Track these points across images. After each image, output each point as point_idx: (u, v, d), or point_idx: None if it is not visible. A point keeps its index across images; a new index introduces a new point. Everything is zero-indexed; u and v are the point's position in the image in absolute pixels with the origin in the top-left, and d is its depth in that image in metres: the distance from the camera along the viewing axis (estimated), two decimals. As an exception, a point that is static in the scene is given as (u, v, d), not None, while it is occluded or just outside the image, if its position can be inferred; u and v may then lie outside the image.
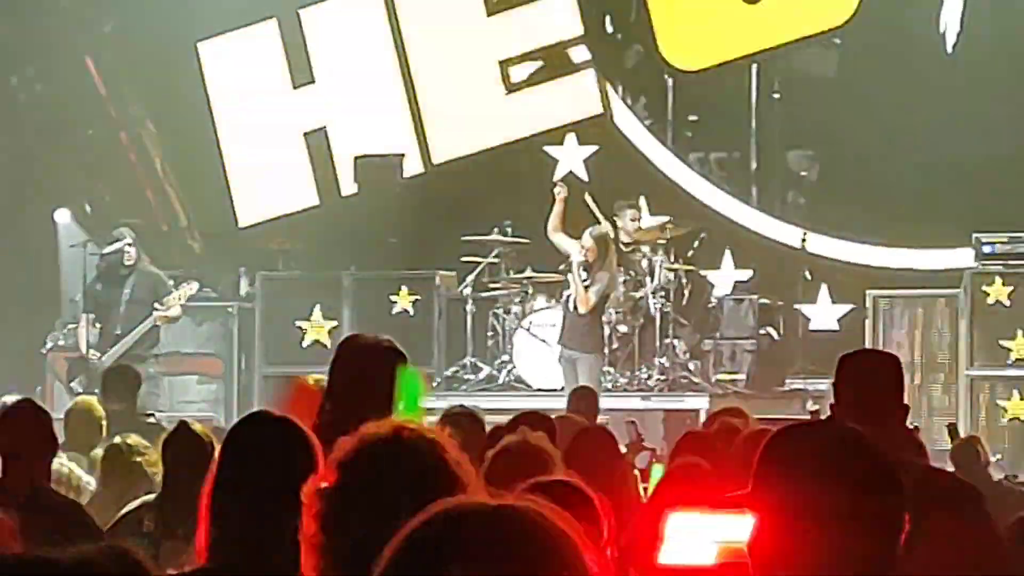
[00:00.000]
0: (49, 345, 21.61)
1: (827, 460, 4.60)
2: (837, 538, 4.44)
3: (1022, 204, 19.76)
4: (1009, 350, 19.39)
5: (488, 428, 10.23)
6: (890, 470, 4.63)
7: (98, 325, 20.28)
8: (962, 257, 20.14)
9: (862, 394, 7.57)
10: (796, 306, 21.19)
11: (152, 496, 9.35)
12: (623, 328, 20.05)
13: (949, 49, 21.93)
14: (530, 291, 20.57)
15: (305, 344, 21.42)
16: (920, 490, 5.28)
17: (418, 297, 21.35)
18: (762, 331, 20.61)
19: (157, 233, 22.42)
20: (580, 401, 14.78)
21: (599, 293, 19.16)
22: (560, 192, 20.20)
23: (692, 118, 22.76)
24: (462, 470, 4.30)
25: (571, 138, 22.79)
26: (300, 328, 21.53)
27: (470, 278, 20.99)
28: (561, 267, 19.98)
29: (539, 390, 19.32)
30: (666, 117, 22.76)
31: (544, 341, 19.95)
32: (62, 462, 10.49)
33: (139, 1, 23.46)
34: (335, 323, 21.31)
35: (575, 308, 19.20)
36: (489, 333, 20.74)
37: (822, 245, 21.27)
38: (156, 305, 19.95)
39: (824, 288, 21.36)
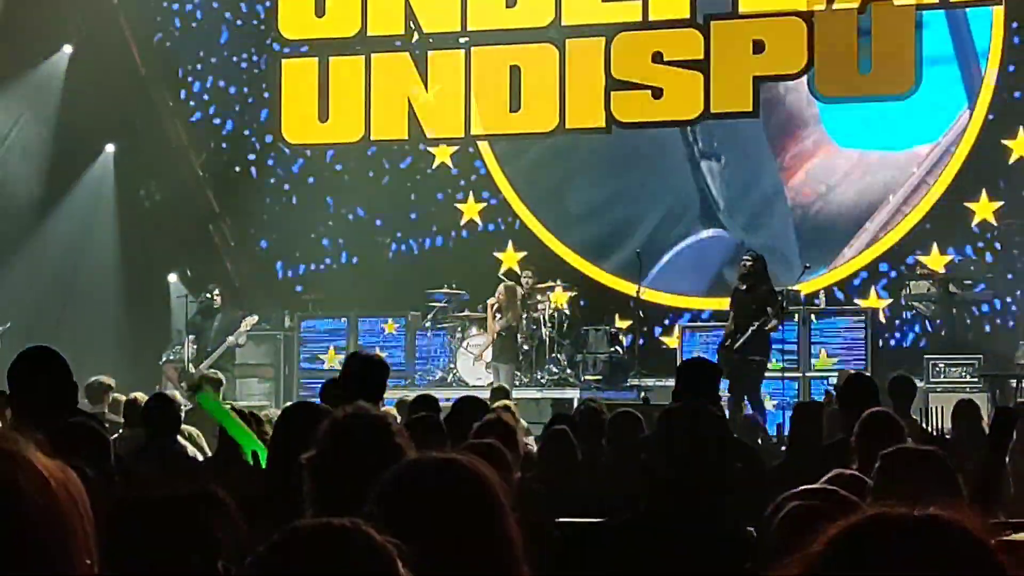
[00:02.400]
0: (163, 359, 21.51)
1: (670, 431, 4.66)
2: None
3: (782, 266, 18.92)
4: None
5: (441, 408, 9.71)
6: (722, 433, 4.77)
7: (195, 346, 20.49)
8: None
9: (694, 384, 7.76)
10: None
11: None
12: (526, 347, 20.08)
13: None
14: (466, 324, 20.73)
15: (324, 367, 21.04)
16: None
17: (397, 327, 21.36)
18: (612, 348, 20.49)
19: (233, 288, 22.41)
20: (498, 393, 14.74)
21: (503, 324, 19.51)
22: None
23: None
24: (401, 438, 4.11)
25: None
26: (320, 358, 21.45)
27: (429, 316, 21.08)
28: (480, 307, 20.30)
29: (472, 386, 19.19)
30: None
31: (474, 355, 20.24)
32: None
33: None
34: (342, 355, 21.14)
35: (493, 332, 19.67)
36: (442, 350, 20.90)
37: (650, 295, 20.98)
38: (228, 338, 20.17)
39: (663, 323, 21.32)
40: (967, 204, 20.26)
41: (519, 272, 21.19)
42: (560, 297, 20.86)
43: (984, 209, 20.17)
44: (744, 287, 17.56)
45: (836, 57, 20.26)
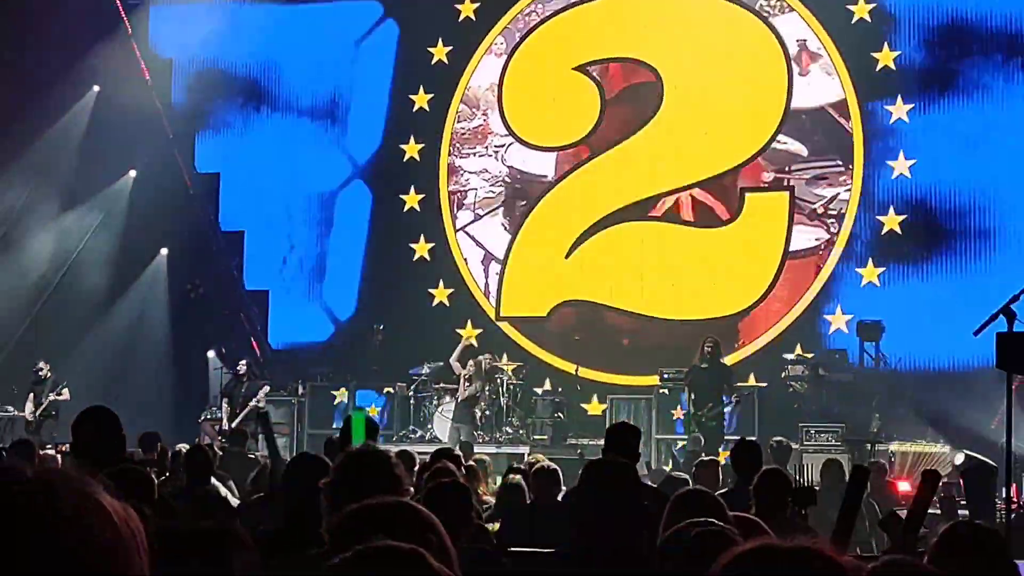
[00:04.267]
0: (201, 418, 21.29)
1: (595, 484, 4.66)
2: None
3: (683, 354, 19.22)
4: (678, 418, 19.16)
5: (418, 462, 9.68)
6: (631, 479, 4.73)
7: (228, 408, 20.30)
8: (654, 379, 19.77)
9: (615, 444, 7.71)
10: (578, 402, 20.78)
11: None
12: (488, 412, 19.84)
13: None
14: (441, 393, 20.48)
15: (336, 402, 21.02)
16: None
17: (387, 393, 21.22)
18: (556, 414, 20.32)
19: (258, 362, 22.22)
20: (466, 447, 15.24)
21: (472, 392, 19.45)
22: (465, 341, 20.41)
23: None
24: (399, 470, 4.16)
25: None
26: (334, 395, 21.31)
27: (412, 387, 20.80)
28: (454, 377, 20.07)
29: (444, 442, 18.57)
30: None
31: (448, 418, 20.02)
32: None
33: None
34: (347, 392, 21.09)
35: (460, 398, 19.57)
36: (421, 414, 20.65)
37: (587, 372, 20.90)
38: (251, 402, 19.83)
39: (595, 395, 20.98)
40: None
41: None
42: (509, 366, 20.61)
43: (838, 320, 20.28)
44: (705, 366, 17.77)
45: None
